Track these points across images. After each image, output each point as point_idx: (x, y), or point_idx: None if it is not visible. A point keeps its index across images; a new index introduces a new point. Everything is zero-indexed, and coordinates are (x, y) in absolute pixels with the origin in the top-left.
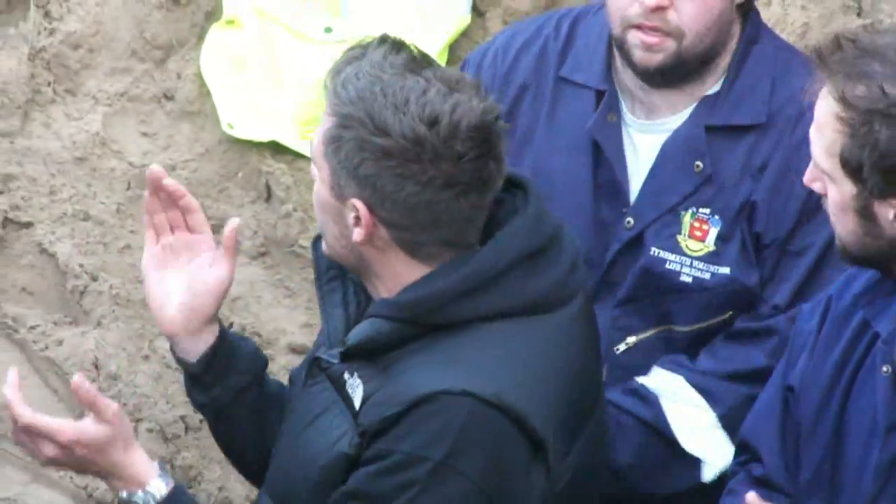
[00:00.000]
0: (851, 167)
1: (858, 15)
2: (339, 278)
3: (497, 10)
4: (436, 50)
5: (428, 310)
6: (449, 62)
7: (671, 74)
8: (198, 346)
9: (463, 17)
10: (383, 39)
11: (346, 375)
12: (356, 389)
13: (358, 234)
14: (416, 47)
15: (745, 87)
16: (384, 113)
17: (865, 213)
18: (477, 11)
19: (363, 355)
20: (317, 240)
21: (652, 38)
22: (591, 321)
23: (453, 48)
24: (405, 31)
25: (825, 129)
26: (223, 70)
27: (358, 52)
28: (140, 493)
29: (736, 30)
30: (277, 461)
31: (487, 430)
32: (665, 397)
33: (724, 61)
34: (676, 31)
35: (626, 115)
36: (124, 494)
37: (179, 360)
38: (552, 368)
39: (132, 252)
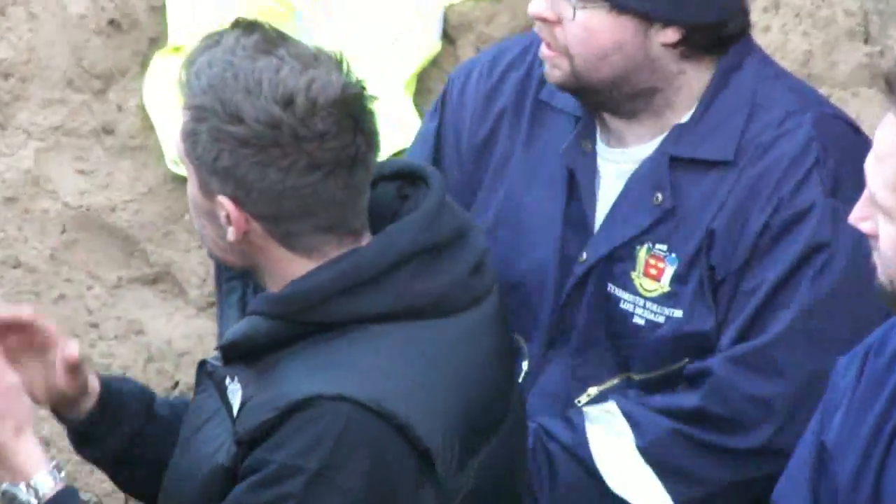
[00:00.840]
0: None
1: (865, 42)
2: (238, 278)
3: (469, 36)
4: (405, 78)
5: (305, 306)
6: (417, 91)
7: (595, 100)
8: (82, 406)
9: (433, 45)
10: (236, 23)
11: (227, 380)
12: (235, 394)
13: (231, 233)
14: (270, 26)
15: (717, 119)
16: (236, 98)
17: None
18: (448, 38)
19: (243, 357)
20: None
21: (545, 51)
22: (501, 330)
23: (422, 77)
24: (376, 59)
25: (889, 160)
26: (169, 101)
27: (213, 40)
28: (22, 486)
29: (687, 67)
30: (168, 475)
31: (368, 439)
32: (590, 420)
33: (694, 90)
34: (564, 49)
35: (599, 144)
36: (4, 485)
37: (64, 419)
38: (446, 376)
39: (67, 302)
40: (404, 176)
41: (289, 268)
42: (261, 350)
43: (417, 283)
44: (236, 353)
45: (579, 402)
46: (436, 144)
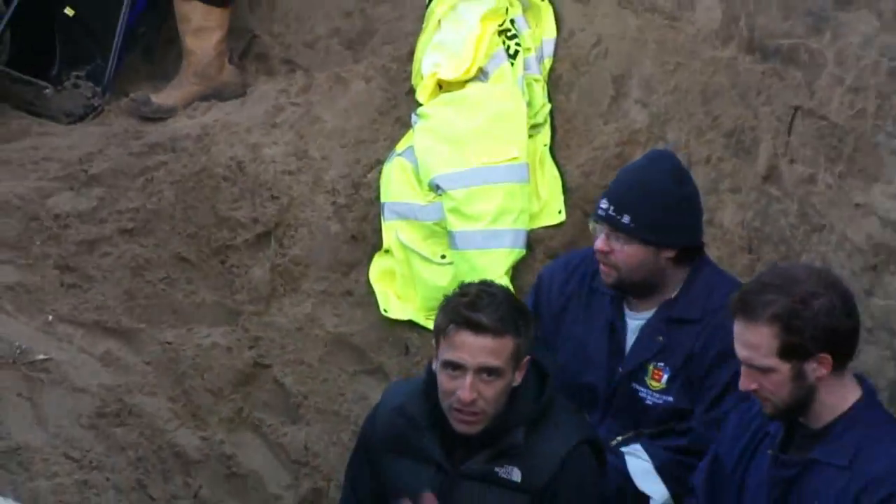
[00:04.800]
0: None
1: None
2: None
3: (540, 247)
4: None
5: None
6: (513, 282)
7: (626, 289)
8: None
9: (520, 250)
10: None
11: None
12: None
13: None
14: None
15: (691, 296)
16: None
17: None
18: (529, 248)
19: None
20: None
21: (603, 268)
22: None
23: (514, 277)
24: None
25: (753, 349)
26: (381, 281)
27: None
28: None
29: (676, 269)
30: None
31: None
32: (629, 455)
33: (678, 280)
34: (615, 265)
35: (626, 310)
36: None
37: None
38: None
39: None
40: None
41: None
42: None
43: None
44: None
45: (614, 442)
46: (535, 304)
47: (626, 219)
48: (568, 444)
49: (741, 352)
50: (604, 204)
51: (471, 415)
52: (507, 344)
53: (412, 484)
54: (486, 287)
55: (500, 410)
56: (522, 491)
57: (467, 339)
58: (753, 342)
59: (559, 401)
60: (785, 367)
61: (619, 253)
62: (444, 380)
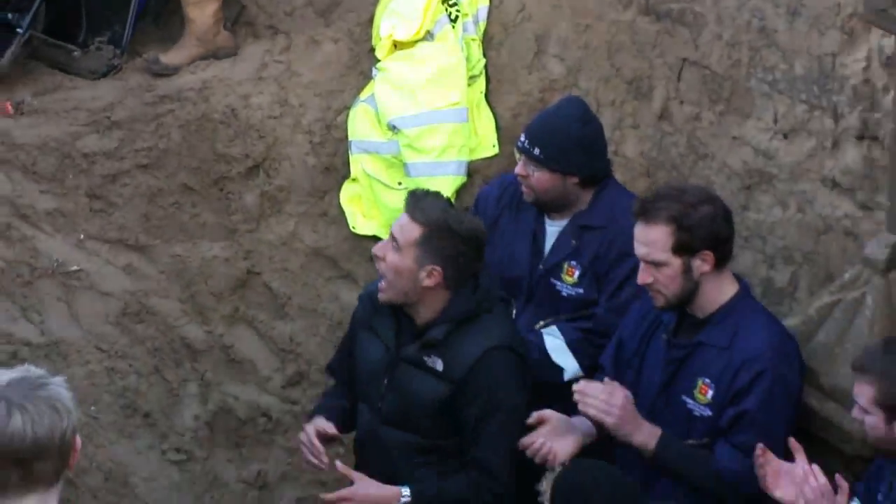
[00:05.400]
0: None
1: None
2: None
3: (478, 174)
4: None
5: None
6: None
7: (543, 205)
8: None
9: (462, 177)
10: None
11: None
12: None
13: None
14: None
15: (598, 209)
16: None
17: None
18: (469, 175)
19: None
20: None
21: (524, 189)
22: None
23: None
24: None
25: (650, 246)
26: (350, 204)
27: None
28: None
29: (583, 190)
30: None
31: None
32: (547, 334)
33: (587, 198)
34: (532, 186)
35: (546, 219)
36: None
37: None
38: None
39: None
40: None
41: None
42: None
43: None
44: None
45: (537, 326)
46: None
47: (537, 151)
48: (486, 345)
49: (640, 250)
50: (522, 138)
51: (382, 280)
52: (414, 230)
53: (369, 355)
54: (431, 195)
55: (403, 291)
56: (443, 379)
57: (401, 219)
58: (651, 239)
59: (499, 310)
60: (676, 262)
61: (533, 178)
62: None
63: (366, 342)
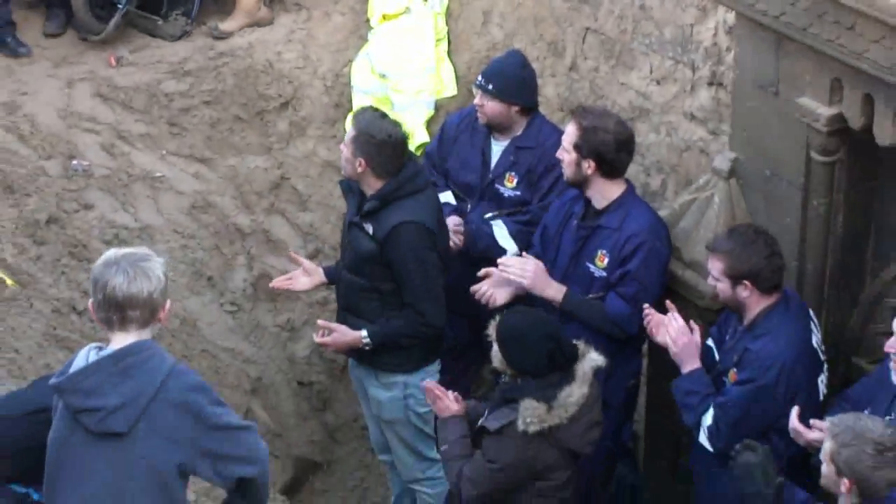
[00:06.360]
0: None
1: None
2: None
3: (442, 109)
4: (421, 122)
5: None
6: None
7: (493, 127)
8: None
9: (431, 111)
10: None
11: None
12: None
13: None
14: None
15: (531, 133)
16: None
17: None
18: (436, 109)
19: None
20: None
21: (479, 114)
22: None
23: (428, 125)
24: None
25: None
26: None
27: None
28: None
29: (522, 116)
30: None
31: None
32: (494, 225)
33: (523, 123)
34: (485, 113)
35: (492, 139)
36: None
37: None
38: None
39: None
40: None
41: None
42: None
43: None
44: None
45: (486, 216)
46: (440, 139)
47: (490, 86)
48: (398, 219)
49: (564, 139)
50: (480, 78)
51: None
52: (350, 132)
53: (348, 214)
54: (369, 110)
55: (349, 174)
56: (373, 240)
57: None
58: (568, 132)
59: (426, 195)
60: (574, 155)
61: (487, 107)
62: None
63: (348, 202)
